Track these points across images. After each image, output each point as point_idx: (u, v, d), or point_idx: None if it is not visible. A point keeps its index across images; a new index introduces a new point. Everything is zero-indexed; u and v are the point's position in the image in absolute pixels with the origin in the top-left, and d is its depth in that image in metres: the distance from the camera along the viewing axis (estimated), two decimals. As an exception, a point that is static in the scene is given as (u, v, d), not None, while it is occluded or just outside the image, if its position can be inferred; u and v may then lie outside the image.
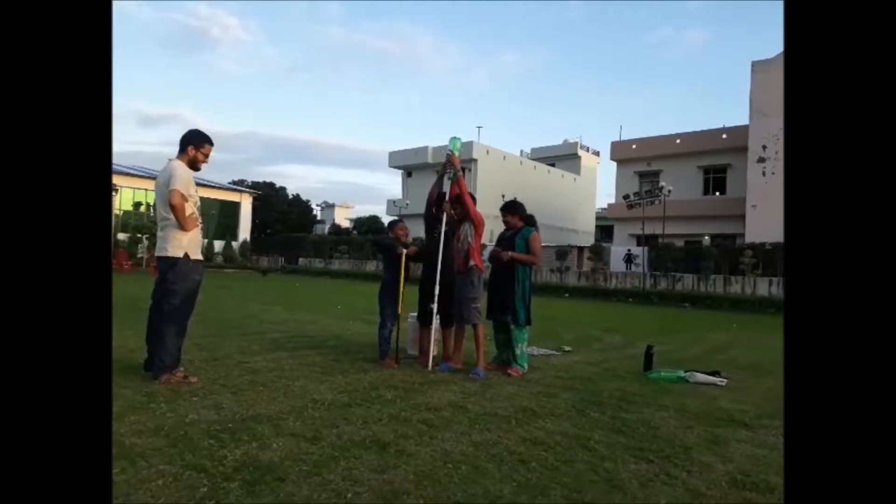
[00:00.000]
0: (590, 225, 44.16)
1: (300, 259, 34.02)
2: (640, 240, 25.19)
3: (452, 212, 4.90)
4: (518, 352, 4.81)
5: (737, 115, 70.60)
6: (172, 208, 3.69)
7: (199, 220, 3.95)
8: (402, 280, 4.89)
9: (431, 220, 5.06)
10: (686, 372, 4.95)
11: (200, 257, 3.95)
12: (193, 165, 3.91)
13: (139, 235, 23.81)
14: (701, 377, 4.83)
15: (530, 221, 5.09)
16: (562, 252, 24.40)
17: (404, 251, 4.89)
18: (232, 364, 4.41)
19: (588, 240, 37.44)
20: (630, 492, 2.28)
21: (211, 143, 3.97)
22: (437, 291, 4.70)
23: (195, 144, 3.89)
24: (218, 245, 30.54)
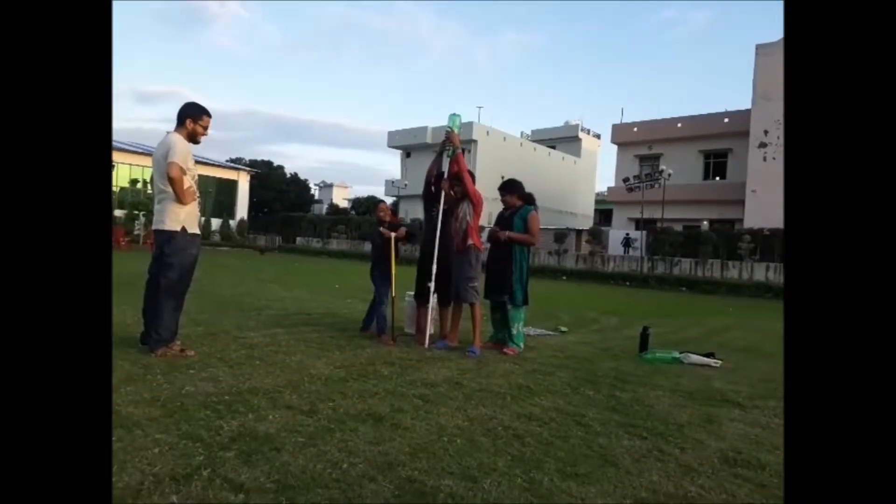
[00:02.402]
0: (589, 208, 44.07)
1: (297, 238, 33.99)
2: (639, 224, 25.18)
3: (451, 191, 4.87)
4: (514, 331, 4.83)
5: (739, 99, 70.03)
6: (171, 181, 3.66)
7: (197, 194, 3.92)
8: (392, 261, 4.88)
9: (430, 198, 5.03)
10: (681, 353, 4.98)
11: (198, 231, 3.93)
12: (193, 139, 3.86)
13: (136, 212, 23.70)
14: (696, 358, 4.86)
15: (529, 200, 5.06)
16: (560, 235, 24.41)
17: (392, 235, 4.87)
18: (229, 339, 4.42)
19: (587, 223, 37.39)
20: (623, 466, 2.31)
21: (209, 115, 3.91)
22: (434, 270, 4.69)
23: (193, 117, 3.83)
24: (215, 223, 30.43)
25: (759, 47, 24.92)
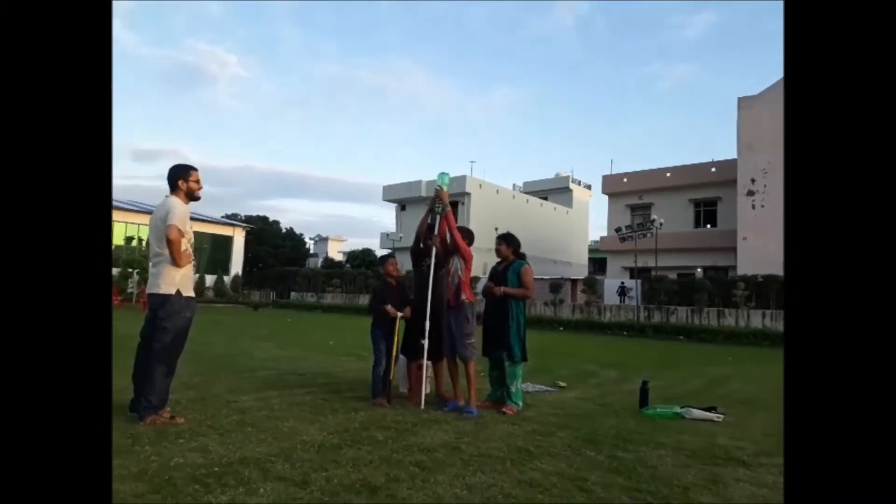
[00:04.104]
0: (583, 258, 44.32)
1: (292, 293, 33.80)
2: (633, 272, 25.26)
3: (440, 247, 4.89)
4: (513, 389, 4.74)
5: (725, 148, 72.03)
6: (169, 243, 3.67)
7: (192, 257, 3.93)
8: (397, 330, 4.84)
9: (419, 253, 5.06)
10: (682, 408, 4.89)
11: (192, 294, 3.92)
12: (192, 196, 3.91)
13: (130, 270, 23.61)
14: (697, 413, 4.77)
15: (520, 256, 5.10)
16: (555, 285, 24.40)
17: (399, 315, 4.84)
18: (220, 404, 4.32)
19: (581, 272, 37.54)
20: (628, 537, 2.22)
21: (195, 169, 3.97)
22: (427, 326, 4.64)
23: (182, 177, 3.89)
24: (209, 279, 30.32)
25: (741, 100, 25.83)
